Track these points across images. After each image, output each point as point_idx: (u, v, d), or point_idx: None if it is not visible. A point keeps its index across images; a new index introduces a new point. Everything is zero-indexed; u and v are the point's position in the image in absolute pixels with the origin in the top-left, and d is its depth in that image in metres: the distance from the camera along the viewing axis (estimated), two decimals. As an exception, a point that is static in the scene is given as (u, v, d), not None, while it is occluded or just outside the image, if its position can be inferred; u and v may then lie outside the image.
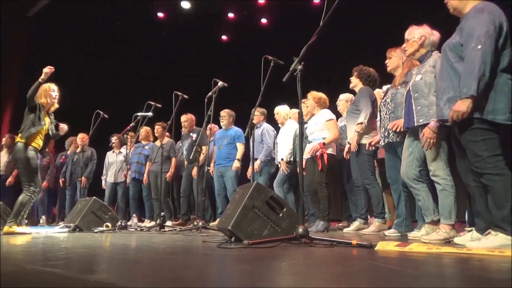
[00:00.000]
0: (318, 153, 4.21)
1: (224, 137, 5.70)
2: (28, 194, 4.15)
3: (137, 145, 6.55)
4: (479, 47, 2.17)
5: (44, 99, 4.38)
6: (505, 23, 2.26)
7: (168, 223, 5.82)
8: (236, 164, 5.44)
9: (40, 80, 4.25)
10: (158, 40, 9.12)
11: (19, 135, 4.27)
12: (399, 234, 3.46)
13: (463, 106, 2.20)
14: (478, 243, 2.25)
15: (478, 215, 2.51)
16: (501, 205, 2.17)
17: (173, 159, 6.27)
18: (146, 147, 6.68)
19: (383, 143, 3.65)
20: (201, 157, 5.24)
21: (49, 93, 4.40)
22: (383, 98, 3.79)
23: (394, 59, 3.61)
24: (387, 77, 3.84)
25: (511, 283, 1.28)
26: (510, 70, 2.25)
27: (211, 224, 4.70)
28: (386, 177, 3.74)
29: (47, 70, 4.26)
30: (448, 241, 2.71)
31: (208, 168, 5.60)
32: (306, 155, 4.36)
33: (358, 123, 3.96)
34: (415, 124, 2.93)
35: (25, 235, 3.86)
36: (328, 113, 4.43)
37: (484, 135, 2.23)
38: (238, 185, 5.18)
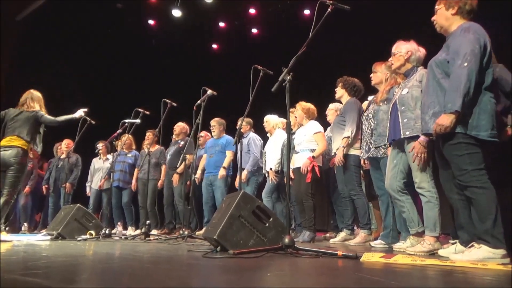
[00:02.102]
0: (309, 168, 4.22)
1: (215, 146, 5.69)
2: (10, 199, 4.07)
3: (119, 153, 6.47)
4: (465, 64, 2.24)
5: None
6: (489, 43, 2.35)
7: (154, 231, 5.75)
8: (222, 172, 5.41)
9: (74, 117, 4.53)
10: (148, 47, 9.10)
11: (22, 141, 4.19)
12: (386, 246, 3.47)
13: (446, 120, 2.26)
14: (461, 256, 2.27)
15: (461, 228, 2.54)
16: (484, 218, 2.20)
17: (163, 167, 6.22)
18: (129, 155, 6.63)
19: (364, 157, 3.72)
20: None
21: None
22: (365, 112, 3.85)
23: (379, 74, 3.66)
24: (373, 89, 3.89)
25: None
26: (493, 89, 2.34)
27: (197, 233, 4.65)
28: (374, 188, 3.77)
29: (83, 113, 4.59)
30: (432, 253, 2.73)
31: (195, 176, 5.57)
32: (293, 165, 4.37)
33: (344, 137, 3.99)
34: (402, 136, 2.97)
35: (5, 243, 3.76)
36: (316, 125, 4.46)
37: (469, 149, 2.28)
38: (227, 194, 5.16)
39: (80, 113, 4.57)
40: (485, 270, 1.92)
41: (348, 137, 3.97)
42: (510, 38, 4.55)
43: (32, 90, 4.51)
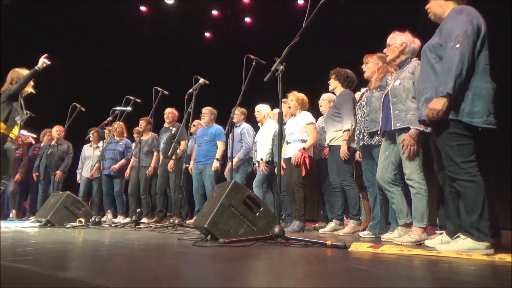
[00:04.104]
0: (300, 160, 4.24)
1: (204, 135, 5.68)
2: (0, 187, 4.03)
3: (110, 141, 6.43)
4: (457, 46, 2.18)
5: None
6: (483, 26, 2.28)
7: (144, 220, 5.75)
8: (216, 164, 5.44)
9: (37, 68, 4.13)
10: (140, 34, 8.98)
11: None
12: (373, 236, 3.52)
13: (438, 104, 2.20)
14: (447, 246, 2.30)
15: (449, 218, 2.58)
16: (470, 211, 2.21)
17: (155, 154, 6.20)
18: (120, 143, 6.59)
19: (358, 146, 3.73)
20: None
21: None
22: (358, 102, 3.86)
23: (371, 65, 3.66)
24: (366, 80, 3.89)
25: (476, 285, 1.32)
26: (487, 73, 2.27)
27: (187, 221, 4.66)
28: (363, 179, 3.80)
29: (46, 59, 4.17)
30: (419, 244, 2.78)
31: (187, 165, 5.57)
32: (284, 155, 4.38)
33: (345, 130, 3.98)
34: (392, 128, 2.99)
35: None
36: (309, 116, 4.46)
37: (459, 140, 2.24)
38: (216, 183, 5.17)
39: (41, 61, 4.22)
40: (469, 260, 1.96)
41: (348, 130, 3.96)
42: (510, 37, 4.57)
43: (16, 69, 4.33)
